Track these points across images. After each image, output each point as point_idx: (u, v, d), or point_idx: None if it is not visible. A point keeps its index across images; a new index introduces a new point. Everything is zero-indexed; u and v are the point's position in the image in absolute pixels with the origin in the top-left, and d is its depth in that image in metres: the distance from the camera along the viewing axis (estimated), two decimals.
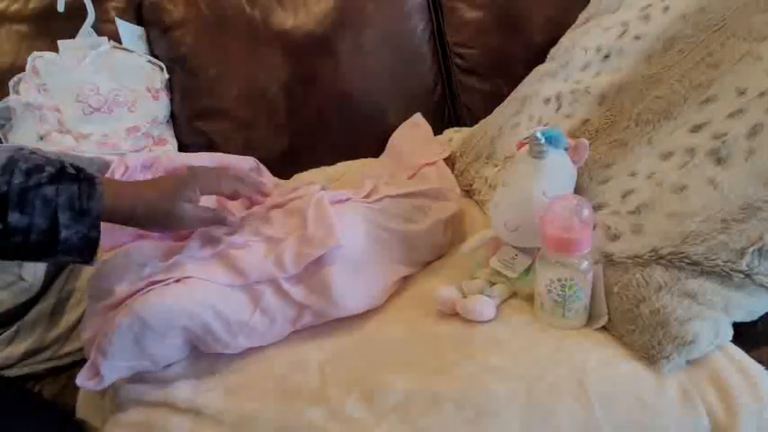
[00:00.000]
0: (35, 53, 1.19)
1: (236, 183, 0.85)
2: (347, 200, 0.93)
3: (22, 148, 0.72)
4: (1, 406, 0.78)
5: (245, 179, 0.87)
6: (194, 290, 0.77)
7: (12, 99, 1.16)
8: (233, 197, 0.87)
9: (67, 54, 1.21)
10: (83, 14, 1.21)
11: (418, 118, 1.28)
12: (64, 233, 0.68)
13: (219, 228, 0.87)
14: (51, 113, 1.18)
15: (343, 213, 0.88)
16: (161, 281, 0.77)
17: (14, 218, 0.66)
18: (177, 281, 0.78)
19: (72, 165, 0.72)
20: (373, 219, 0.91)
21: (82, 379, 0.75)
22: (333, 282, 0.81)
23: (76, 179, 0.70)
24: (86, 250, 0.71)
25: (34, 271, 0.97)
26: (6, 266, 0.95)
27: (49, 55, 1.20)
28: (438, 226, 0.96)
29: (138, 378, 0.79)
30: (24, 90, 1.17)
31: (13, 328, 0.96)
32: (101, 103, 1.21)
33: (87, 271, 0.99)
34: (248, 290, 0.81)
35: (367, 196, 0.96)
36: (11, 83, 1.18)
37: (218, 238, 0.85)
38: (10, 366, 0.95)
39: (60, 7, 1.20)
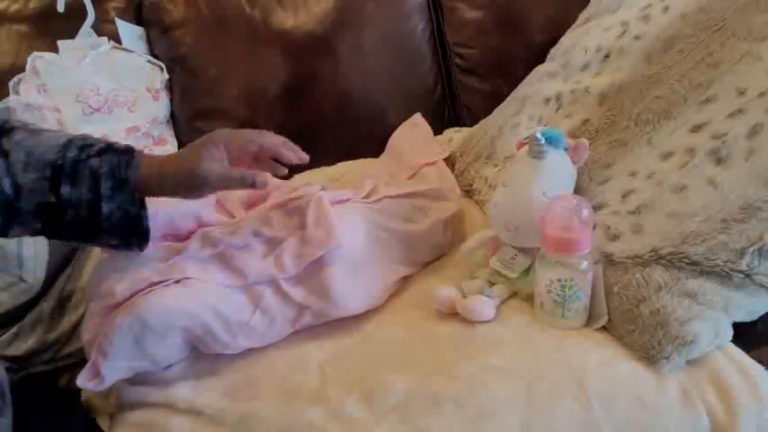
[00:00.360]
0: (35, 53, 1.19)
1: (260, 134, 0.81)
2: (347, 200, 0.93)
3: (84, 134, 0.77)
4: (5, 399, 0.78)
5: (270, 135, 0.83)
6: (194, 290, 0.77)
7: (12, 99, 1.16)
8: (261, 151, 0.81)
9: (67, 54, 1.21)
10: (83, 14, 1.21)
11: (418, 118, 1.28)
12: (105, 207, 0.72)
13: (218, 228, 0.87)
14: (51, 114, 1.18)
15: (344, 213, 0.88)
16: (161, 281, 0.78)
17: (66, 190, 0.71)
18: (177, 281, 0.78)
19: (123, 143, 0.77)
20: (373, 219, 0.91)
21: (83, 380, 0.75)
22: (333, 282, 0.81)
23: (118, 151, 0.75)
24: (130, 230, 0.74)
25: (34, 272, 0.97)
26: (6, 267, 0.95)
27: (48, 55, 1.20)
28: (438, 226, 0.96)
29: (139, 379, 0.79)
30: (24, 90, 1.17)
31: (14, 330, 0.96)
32: (101, 103, 1.21)
33: (87, 272, 0.99)
34: (248, 290, 0.81)
35: (367, 196, 0.96)
36: (11, 83, 1.17)
37: (218, 238, 0.84)
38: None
39: (60, 7, 1.20)
